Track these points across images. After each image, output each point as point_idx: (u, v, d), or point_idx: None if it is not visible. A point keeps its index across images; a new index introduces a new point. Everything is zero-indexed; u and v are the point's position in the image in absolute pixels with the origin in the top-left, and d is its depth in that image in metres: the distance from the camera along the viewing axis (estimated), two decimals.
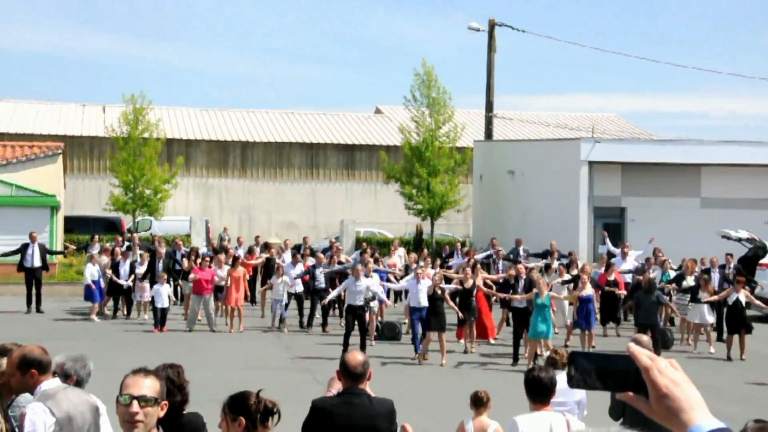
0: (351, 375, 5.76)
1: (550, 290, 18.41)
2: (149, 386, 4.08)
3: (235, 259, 23.43)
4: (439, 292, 18.30)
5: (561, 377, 9.31)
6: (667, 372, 2.09)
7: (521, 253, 26.63)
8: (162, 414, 4.16)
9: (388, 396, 6.24)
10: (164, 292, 21.71)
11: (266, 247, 27.29)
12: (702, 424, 2.01)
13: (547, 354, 10.82)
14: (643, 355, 2.11)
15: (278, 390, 16.44)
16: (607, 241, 26.97)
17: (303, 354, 18.77)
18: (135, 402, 4.01)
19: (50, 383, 5.51)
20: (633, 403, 2.14)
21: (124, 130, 35.37)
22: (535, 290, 17.78)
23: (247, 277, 23.98)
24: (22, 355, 5.50)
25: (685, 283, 21.18)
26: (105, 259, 23.95)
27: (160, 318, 21.50)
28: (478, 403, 7.94)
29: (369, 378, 5.85)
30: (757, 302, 20.70)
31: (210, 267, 22.18)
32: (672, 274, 22.77)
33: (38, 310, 24.01)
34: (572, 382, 2.15)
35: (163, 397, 4.14)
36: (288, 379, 16.06)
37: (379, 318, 21.82)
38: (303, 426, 5.99)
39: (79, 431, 5.38)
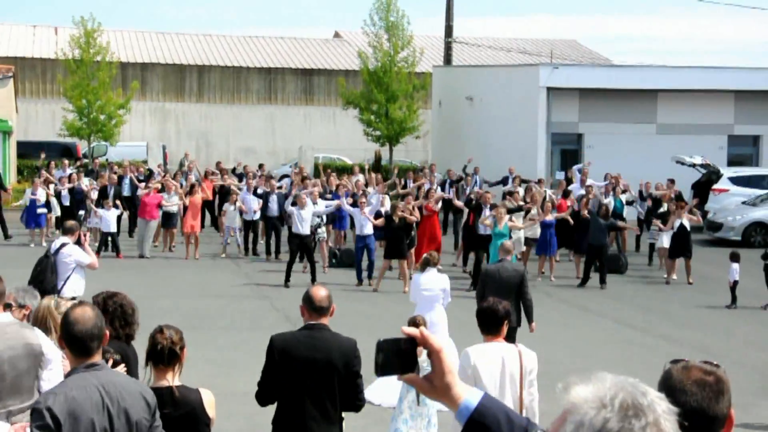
0: (315, 309, 5.78)
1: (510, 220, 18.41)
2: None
3: (192, 186, 23.24)
4: (396, 220, 18.27)
5: (430, 274, 10.15)
6: (447, 350, 2.19)
7: (478, 180, 26.49)
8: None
9: (346, 323, 6.31)
10: (111, 218, 21.51)
11: (223, 173, 26.91)
12: (469, 398, 2.15)
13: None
14: (434, 339, 2.19)
15: (237, 317, 16.49)
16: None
17: (261, 281, 18.81)
18: None
19: None
20: (413, 383, 2.22)
21: (76, 53, 34.61)
22: (492, 217, 17.78)
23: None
24: None
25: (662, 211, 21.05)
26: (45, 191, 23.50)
27: (112, 245, 21.36)
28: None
29: (332, 313, 5.85)
30: (695, 218, 20.66)
31: (157, 192, 22.04)
32: (623, 198, 22.92)
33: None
34: (379, 370, 2.18)
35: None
36: (247, 307, 16.11)
37: (338, 245, 21.85)
38: (264, 369, 5.88)
39: (1, 379, 4.88)
